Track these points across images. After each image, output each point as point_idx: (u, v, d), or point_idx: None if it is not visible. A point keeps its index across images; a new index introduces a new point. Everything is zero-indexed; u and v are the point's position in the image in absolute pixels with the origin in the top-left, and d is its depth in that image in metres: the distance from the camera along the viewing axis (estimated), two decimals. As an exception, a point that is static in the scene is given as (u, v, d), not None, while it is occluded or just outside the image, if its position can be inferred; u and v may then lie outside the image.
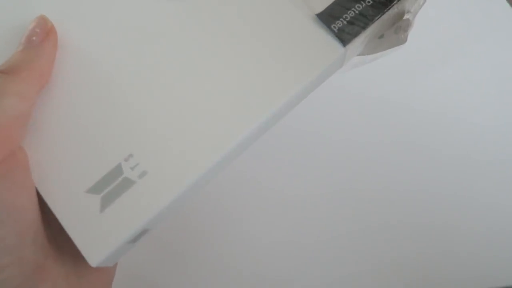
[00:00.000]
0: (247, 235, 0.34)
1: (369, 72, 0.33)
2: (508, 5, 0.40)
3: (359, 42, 0.22)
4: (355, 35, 0.21)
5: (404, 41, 0.24)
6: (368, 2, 0.21)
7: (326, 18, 0.21)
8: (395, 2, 0.22)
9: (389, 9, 0.22)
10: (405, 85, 0.38)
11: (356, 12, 0.21)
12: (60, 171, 0.20)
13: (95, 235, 0.19)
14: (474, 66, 0.39)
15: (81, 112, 0.21)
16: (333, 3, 0.22)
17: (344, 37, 0.21)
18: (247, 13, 0.22)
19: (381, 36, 0.24)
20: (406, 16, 0.24)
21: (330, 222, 0.34)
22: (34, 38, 0.21)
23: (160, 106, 0.21)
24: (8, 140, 0.19)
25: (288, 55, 0.21)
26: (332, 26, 0.21)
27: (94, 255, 0.19)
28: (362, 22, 0.21)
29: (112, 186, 0.20)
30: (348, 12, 0.21)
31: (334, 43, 0.21)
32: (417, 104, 0.38)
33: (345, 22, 0.21)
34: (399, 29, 0.24)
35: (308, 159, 0.36)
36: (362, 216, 0.35)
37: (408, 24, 0.24)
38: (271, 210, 0.34)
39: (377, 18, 0.21)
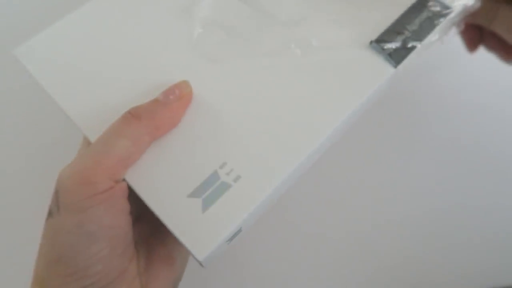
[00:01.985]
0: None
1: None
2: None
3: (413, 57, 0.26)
4: (402, 58, 0.26)
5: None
6: (408, 34, 0.26)
7: (379, 44, 0.26)
8: (431, 30, 0.26)
9: (430, 33, 0.26)
10: (412, 83, 0.40)
11: (402, 39, 0.26)
12: (164, 182, 0.23)
13: (200, 233, 0.21)
14: (474, 66, 0.41)
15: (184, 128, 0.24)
16: (383, 32, 0.26)
17: (394, 60, 0.25)
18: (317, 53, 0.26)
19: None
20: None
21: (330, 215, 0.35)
22: (171, 96, 0.24)
23: (248, 120, 0.24)
24: (114, 176, 0.21)
25: (347, 81, 0.25)
26: (385, 50, 0.26)
27: (201, 251, 0.21)
28: (407, 48, 0.26)
29: (211, 190, 0.22)
30: (395, 39, 0.26)
31: (386, 65, 0.25)
32: (424, 101, 0.39)
33: (394, 48, 0.26)
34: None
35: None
36: (363, 215, 0.36)
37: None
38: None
39: (424, 39, 0.26)
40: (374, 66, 0.25)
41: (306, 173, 0.25)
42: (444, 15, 0.27)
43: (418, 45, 0.26)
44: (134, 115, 0.23)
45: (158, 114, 0.23)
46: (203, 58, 0.26)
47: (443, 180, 0.37)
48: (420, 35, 0.26)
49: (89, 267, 0.21)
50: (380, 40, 0.26)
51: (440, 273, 0.34)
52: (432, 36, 0.27)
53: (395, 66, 0.25)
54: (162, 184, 0.23)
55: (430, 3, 0.27)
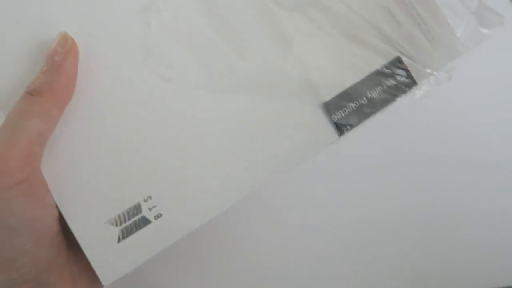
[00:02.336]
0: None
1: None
2: (510, 3, 0.38)
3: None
4: (351, 127, 0.26)
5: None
6: (364, 101, 0.26)
7: (329, 108, 0.26)
8: (390, 102, 0.26)
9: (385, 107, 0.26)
10: None
11: (356, 106, 0.26)
12: (82, 196, 0.23)
13: (110, 261, 0.23)
14: (475, 66, 0.38)
15: (108, 139, 0.24)
16: (337, 95, 0.26)
17: (341, 128, 0.26)
18: (261, 96, 0.25)
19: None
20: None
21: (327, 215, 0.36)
22: (56, 58, 0.23)
23: (183, 156, 0.24)
24: (30, 160, 0.21)
25: (289, 138, 0.25)
26: (333, 116, 0.26)
27: (107, 277, 0.23)
28: (360, 116, 0.26)
29: (130, 221, 0.23)
30: (347, 107, 0.26)
31: (332, 131, 0.26)
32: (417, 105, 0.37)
33: (343, 115, 0.26)
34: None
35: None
36: (362, 215, 0.36)
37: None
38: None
39: (372, 115, 0.26)
40: (319, 129, 0.26)
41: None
42: (408, 90, 0.26)
43: (372, 115, 0.26)
44: (33, 92, 0.22)
45: (55, 83, 0.22)
46: (150, 70, 0.25)
47: (443, 181, 0.37)
48: (377, 104, 0.26)
49: (14, 261, 0.21)
50: (330, 104, 0.25)
51: (440, 274, 0.35)
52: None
53: (339, 135, 0.26)
54: (83, 200, 0.23)
55: (398, 71, 0.26)
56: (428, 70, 0.26)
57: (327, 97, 0.26)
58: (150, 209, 0.24)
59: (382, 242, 0.36)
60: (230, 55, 0.25)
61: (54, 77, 0.22)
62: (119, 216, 0.23)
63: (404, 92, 0.26)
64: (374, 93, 0.26)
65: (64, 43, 0.23)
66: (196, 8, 0.25)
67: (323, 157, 0.35)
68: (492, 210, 0.37)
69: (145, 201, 0.24)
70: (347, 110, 0.26)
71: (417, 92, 0.26)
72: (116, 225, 0.23)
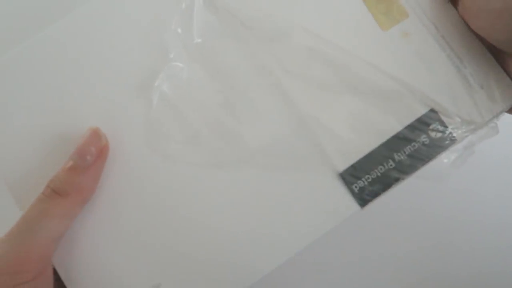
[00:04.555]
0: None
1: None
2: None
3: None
4: (374, 196, 0.22)
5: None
6: (391, 165, 0.22)
7: (348, 177, 0.22)
8: (419, 166, 0.22)
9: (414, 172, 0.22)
10: None
11: (379, 173, 0.22)
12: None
13: None
14: None
15: (118, 230, 0.23)
16: (356, 163, 0.22)
17: (363, 197, 0.22)
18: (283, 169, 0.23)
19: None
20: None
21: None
22: (88, 157, 0.21)
23: (192, 246, 0.23)
24: (44, 259, 0.21)
25: (311, 212, 0.22)
26: (353, 186, 0.22)
27: None
28: (383, 183, 0.22)
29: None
30: (371, 173, 0.22)
31: (352, 203, 0.22)
32: None
33: (366, 183, 0.22)
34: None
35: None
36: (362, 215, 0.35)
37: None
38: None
39: (400, 180, 0.22)
40: (339, 201, 0.23)
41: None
42: (445, 146, 0.22)
43: (401, 180, 0.22)
44: (58, 192, 0.21)
45: (83, 183, 0.21)
46: (155, 151, 0.24)
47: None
48: (407, 167, 0.22)
49: None
50: (347, 173, 0.22)
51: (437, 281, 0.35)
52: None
53: (362, 206, 0.22)
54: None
55: (431, 127, 0.22)
56: (472, 126, 0.22)
57: (344, 166, 0.22)
58: (159, 296, 0.23)
59: (381, 244, 0.35)
60: (235, 129, 0.23)
61: (82, 178, 0.21)
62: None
63: (441, 147, 0.22)
64: (402, 155, 0.22)
65: (98, 142, 0.22)
66: (199, 80, 0.23)
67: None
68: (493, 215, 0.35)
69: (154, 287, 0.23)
70: (370, 177, 0.22)
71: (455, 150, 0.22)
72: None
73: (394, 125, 0.22)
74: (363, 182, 0.22)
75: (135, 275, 0.23)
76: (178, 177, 0.23)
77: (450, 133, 0.22)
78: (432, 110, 0.22)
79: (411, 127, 0.22)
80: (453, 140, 0.22)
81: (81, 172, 0.21)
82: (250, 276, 0.23)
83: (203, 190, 0.23)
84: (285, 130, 0.23)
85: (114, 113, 0.23)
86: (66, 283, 0.23)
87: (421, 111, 0.22)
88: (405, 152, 0.22)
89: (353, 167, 0.22)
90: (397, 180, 0.22)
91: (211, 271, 0.23)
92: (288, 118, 0.23)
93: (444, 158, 0.22)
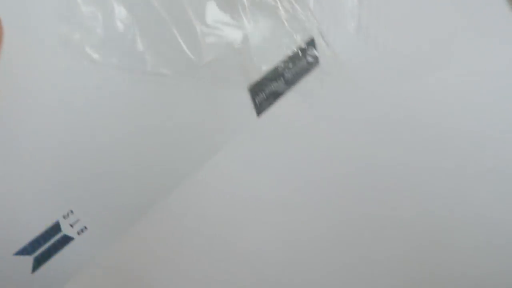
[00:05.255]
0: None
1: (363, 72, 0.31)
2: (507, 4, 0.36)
3: None
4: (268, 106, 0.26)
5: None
6: (282, 81, 0.26)
7: (254, 90, 0.25)
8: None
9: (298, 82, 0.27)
10: (402, 86, 0.34)
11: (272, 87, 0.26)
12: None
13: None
14: (472, 67, 0.36)
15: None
16: (260, 79, 0.25)
17: (261, 109, 0.26)
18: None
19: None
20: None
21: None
22: None
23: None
24: None
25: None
26: (256, 99, 0.25)
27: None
28: (275, 96, 0.26)
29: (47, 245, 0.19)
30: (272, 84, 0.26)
31: (253, 113, 0.26)
32: (414, 106, 0.34)
33: (264, 96, 0.26)
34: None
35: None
36: (361, 216, 0.33)
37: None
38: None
39: (285, 92, 0.27)
40: (243, 112, 0.25)
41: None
42: (312, 68, 0.28)
43: (286, 92, 0.27)
44: None
45: None
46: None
47: (443, 182, 0.35)
48: (291, 82, 0.27)
49: None
50: (254, 87, 0.25)
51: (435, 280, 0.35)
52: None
53: (257, 115, 0.26)
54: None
55: (309, 52, 0.27)
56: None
57: (254, 79, 0.25)
58: (72, 225, 0.19)
59: (379, 246, 0.34)
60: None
61: None
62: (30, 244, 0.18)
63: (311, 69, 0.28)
64: (290, 74, 0.27)
65: None
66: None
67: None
68: (491, 214, 0.36)
69: (64, 218, 0.19)
70: (270, 90, 0.26)
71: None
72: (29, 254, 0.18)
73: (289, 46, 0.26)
74: (263, 96, 0.26)
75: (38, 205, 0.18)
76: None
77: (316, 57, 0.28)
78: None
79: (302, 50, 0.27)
80: (317, 63, 0.28)
81: None
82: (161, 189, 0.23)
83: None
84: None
85: None
86: None
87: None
88: (292, 71, 0.27)
89: (258, 83, 0.25)
90: (283, 92, 0.27)
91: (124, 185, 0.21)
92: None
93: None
